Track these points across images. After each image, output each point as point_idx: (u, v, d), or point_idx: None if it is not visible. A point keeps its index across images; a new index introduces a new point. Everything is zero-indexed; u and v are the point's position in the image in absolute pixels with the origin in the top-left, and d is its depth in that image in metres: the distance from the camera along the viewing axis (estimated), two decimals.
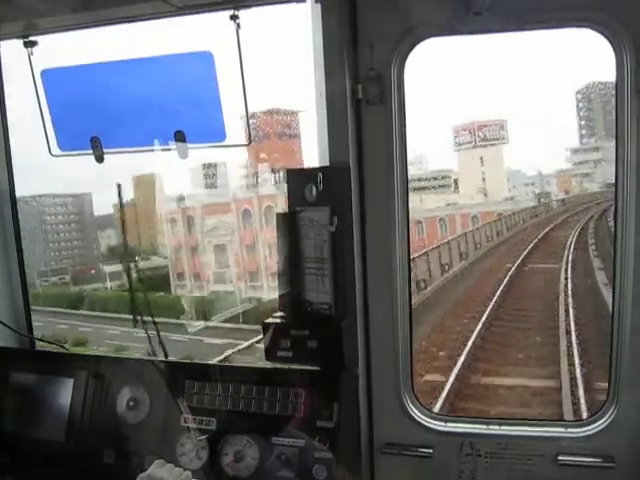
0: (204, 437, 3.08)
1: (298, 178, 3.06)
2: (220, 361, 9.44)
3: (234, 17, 3.16)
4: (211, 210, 19.10)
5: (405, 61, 3.07)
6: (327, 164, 3.05)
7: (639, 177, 2.85)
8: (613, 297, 2.99)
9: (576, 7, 2.84)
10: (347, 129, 3.03)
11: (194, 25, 3.43)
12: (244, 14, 3.17)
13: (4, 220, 3.90)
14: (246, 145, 3.35)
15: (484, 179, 22.67)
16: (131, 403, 3.27)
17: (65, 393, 3.42)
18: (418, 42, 3.07)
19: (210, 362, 3.43)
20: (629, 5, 2.76)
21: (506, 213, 22.78)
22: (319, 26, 2.99)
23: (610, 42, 2.84)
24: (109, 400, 3.33)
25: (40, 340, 3.97)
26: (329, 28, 2.98)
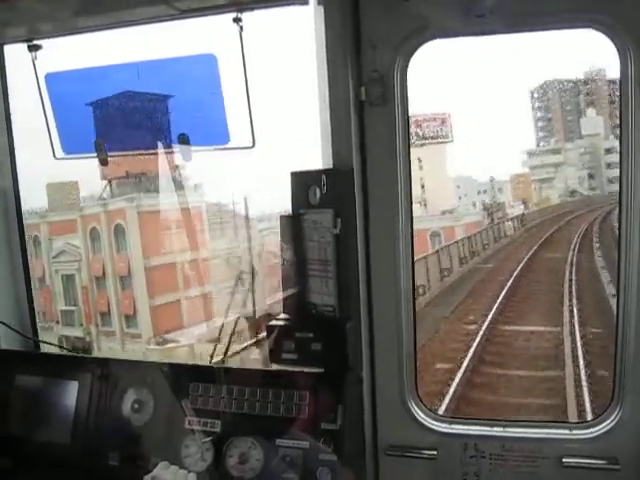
0: (209, 439, 3.09)
1: (302, 180, 3.06)
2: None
3: (237, 20, 3.17)
4: (59, 229, 15.39)
5: (408, 63, 3.07)
6: (330, 166, 3.05)
7: None
8: (617, 299, 2.99)
9: (579, 8, 2.84)
10: (350, 131, 3.03)
11: (198, 28, 3.43)
12: (247, 17, 3.18)
13: (9, 225, 3.91)
14: (250, 148, 3.34)
15: (423, 186, 19.12)
16: (136, 405, 3.28)
17: (70, 396, 3.42)
18: (421, 44, 3.06)
19: (214, 364, 3.43)
20: (633, 5, 2.76)
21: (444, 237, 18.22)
22: (322, 28, 3.00)
23: (614, 42, 2.83)
24: (114, 402, 3.34)
25: (45, 343, 3.98)
26: (332, 30, 2.99)
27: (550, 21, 2.95)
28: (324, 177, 2.97)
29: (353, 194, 3.04)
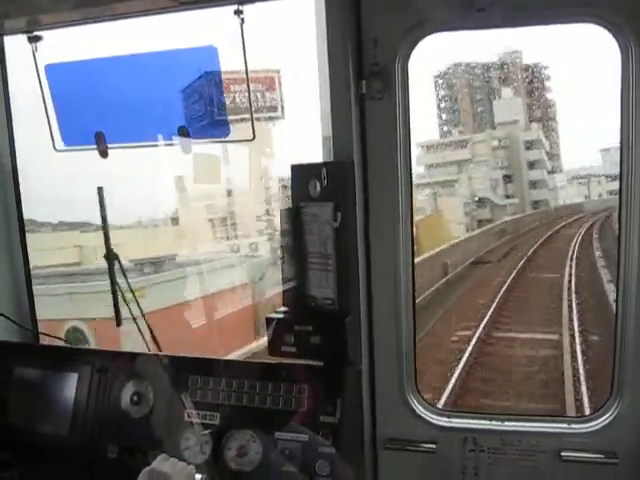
0: (208, 432, 3.09)
1: (302, 173, 3.06)
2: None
3: (238, 12, 3.16)
4: None
5: (409, 56, 3.07)
6: (331, 159, 3.05)
7: None
8: (617, 293, 2.99)
9: (580, 2, 2.84)
10: (351, 124, 3.03)
11: (199, 19, 3.42)
12: (248, 9, 3.17)
13: (8, 214, 3.91)
14: (250, 140, 3.34)
15: (230, 193, 12.71)
16: (135, 398, 3.28)
17: (69, 388, 3.42)
18: (422, 38, 3.06)
19: (214, 357, 3.43)
20: (635, 1, 2.76)
21: None
22: (323, 21, 2.99)
23: (615, 37, 2.83)
24: (113, 395, 3.34)
25: (44, 334, 3.97)
26: (333, 23, 2.98)
27: (551, 15, 2.94)
28: (324, 170, 2.96)
29: (353, 187, 3.04)
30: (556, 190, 18.84)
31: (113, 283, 3.64)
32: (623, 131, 2.86)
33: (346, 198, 2.99)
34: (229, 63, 3.30)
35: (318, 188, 2.98)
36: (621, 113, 2.85)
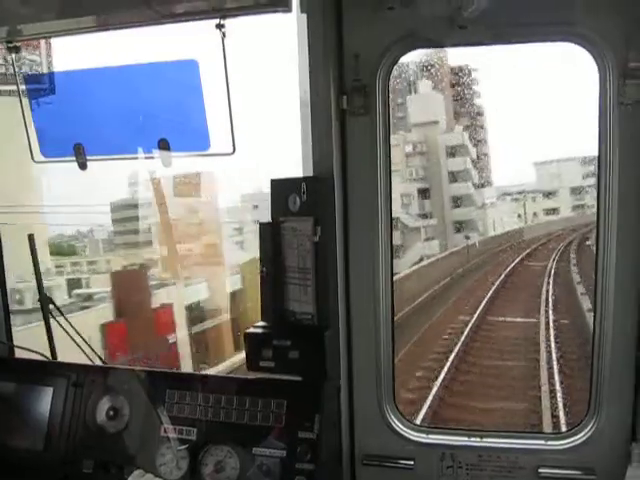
0: (184, 447, 3.06)
1: (282, 188, 3.06)
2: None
3: (220, 26, 3.16)
4: None
5: (390, 72, 3.09)
6: (311, 174, 3.05)
7: (621, 191, 2.87)
8: (594, 312, 3.01)
9: (560, 22, 2.87)
10: (331, 139, 3.03)
11: (180, 33, 3.42)
12: (230, 23, 3.17)
13: None
14: (230, 154, 3.33)
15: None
16: (111, 412, 3.24)
17: (44, 402, 3.38)
18: (403, 54, 3.09)
19: (191, 372, 3.40)
20: (612, 20, 2.79)
21: None
22: (305, 36, 3.00)
23: (593, 57, 2.86)
24: (89, 409, 3.30)
25: (19, 348, 3.92)
26: (315, 38, 2.99)
27: (531, 33, 2.98)
28: (304, 185, 2.96)
29: (333, 202, 3.04)
30: (485, 208, 14.74)
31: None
32: (601, 148, 2.89)
33: (326, 213, 2.99)
34: (211, 77, 3.29)
35: (298, 203, 2.98)
36: (599, 129, 2.88)
